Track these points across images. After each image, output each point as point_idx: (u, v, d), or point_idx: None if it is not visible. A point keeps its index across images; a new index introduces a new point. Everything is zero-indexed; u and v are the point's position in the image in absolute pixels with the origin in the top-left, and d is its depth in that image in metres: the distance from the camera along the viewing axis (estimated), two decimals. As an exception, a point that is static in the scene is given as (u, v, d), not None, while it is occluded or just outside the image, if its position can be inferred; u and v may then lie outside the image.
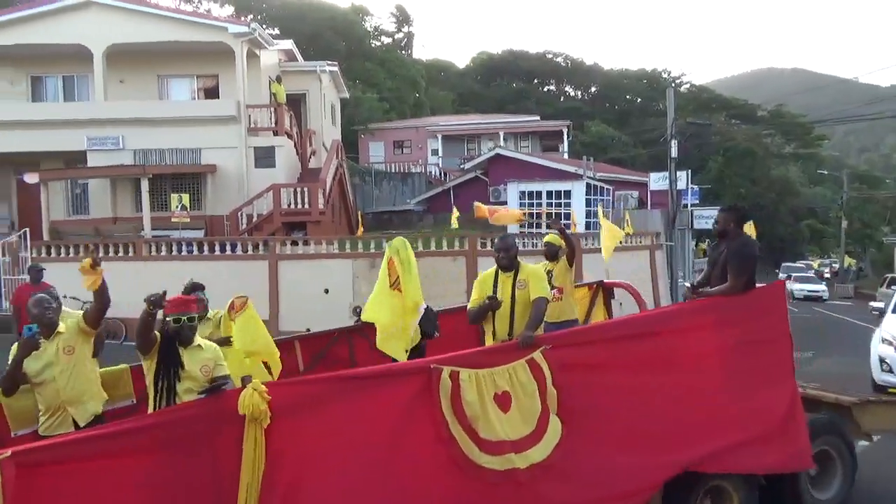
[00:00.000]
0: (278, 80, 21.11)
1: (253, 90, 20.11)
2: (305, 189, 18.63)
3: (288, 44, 24.19)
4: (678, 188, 20.92)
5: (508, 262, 5.17)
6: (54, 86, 21.10)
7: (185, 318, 4.06)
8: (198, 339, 4.21)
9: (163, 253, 15.94)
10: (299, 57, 24.86)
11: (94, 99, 19.64)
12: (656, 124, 42.13)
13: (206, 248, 15.96)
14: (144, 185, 17.98)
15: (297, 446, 3.73)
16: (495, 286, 5.16)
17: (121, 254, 16.13)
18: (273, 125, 19.82)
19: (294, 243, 15.95)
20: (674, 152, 20.62)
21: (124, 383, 5.36)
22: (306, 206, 18.46)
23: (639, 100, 59.45)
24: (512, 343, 4.50)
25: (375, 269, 15.33)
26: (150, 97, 20.34)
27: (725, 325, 4.85)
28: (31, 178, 18.11)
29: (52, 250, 16.43)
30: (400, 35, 54.88)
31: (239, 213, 18.25)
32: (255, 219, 18.20)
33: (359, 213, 23.87)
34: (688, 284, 5.73)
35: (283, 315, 14.98)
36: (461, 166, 31.33)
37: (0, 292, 16.37)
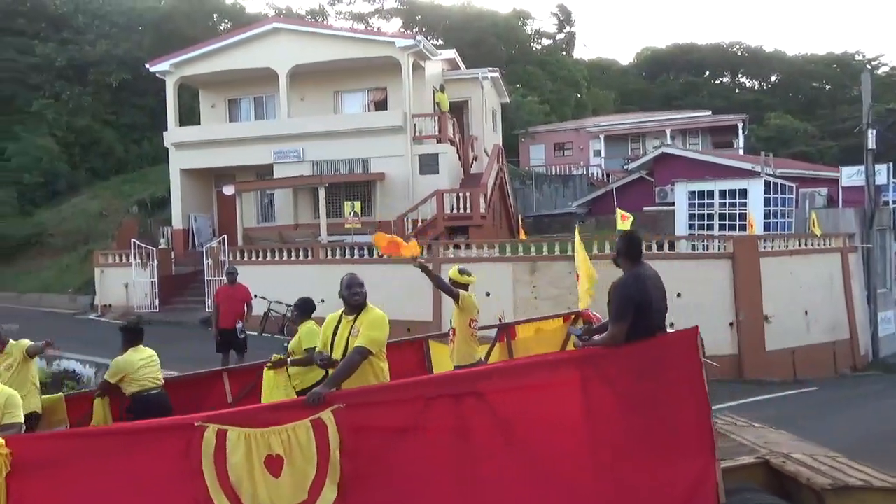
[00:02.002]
0: (441, 88, 21.81)
1: (418, 100, 20.96)
2: (467, 194, 19.07)
3: (451, 53, 24.92)
4: (876, 183, 18.70)
5: (356, 305, 4.64)
6: (246, 106, 23.46)
7: None
8: None
9: (337, 256, 17.11)
10: (461, 65, 25.51)
11: (279, 116, 21.54)
12: (849, 113, 37.97)
13: (375, 251, 16.88)
14: (321, 193, 19.40)
15: (41, 487, 3.55)
16: (335, 332, 4.71)
17: (301, 257, 17.55)
18: (437, 133, 20.51)
19: (457, 246, 16.37)
20: (871, 143, 18.48)
21: (60, 409, 6.10)
22: (468, 210, 18.88)
23: (828, 87, 53.84)
24: (299, 400, 4.09)
25: (536, 273, 15.34)
26: (326, 112, 21.93)
27: (596, 384, 4.08)
28: (228, 189, 20.27)
29: (245, 254, 18.26)
30: (561, 36, 54.33)
31: (405, 218, 19.09)
32: (420, 223, 18.93)
33: (519, 216, 23.97)
34: (577, 332, 5.01)
35: (444, 319, 15.43)
36: (625, 167, 30.36)
37: (205, 291, 18.50)
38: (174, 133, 22.22)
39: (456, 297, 6.43)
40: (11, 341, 6.42)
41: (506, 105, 30.61)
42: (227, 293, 11.04)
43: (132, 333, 6.37)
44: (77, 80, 30.13)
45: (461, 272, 6.73)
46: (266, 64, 21.02)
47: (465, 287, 6.64)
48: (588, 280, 7.10)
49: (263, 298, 16.14)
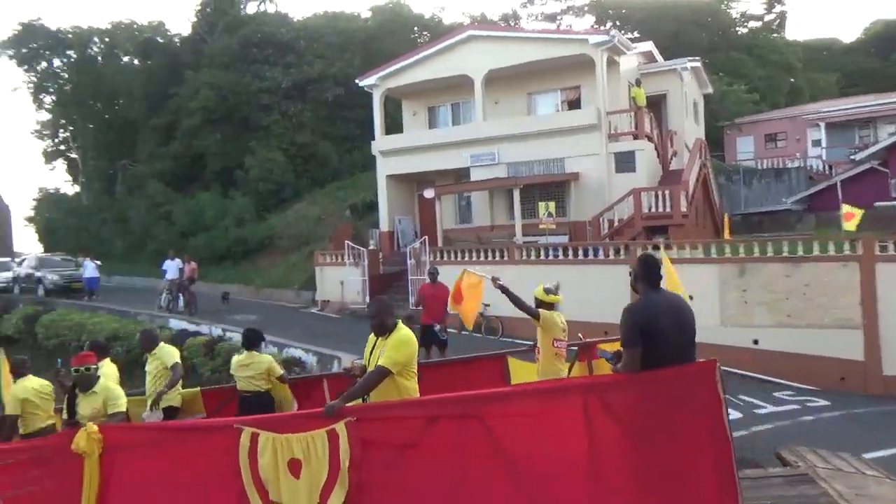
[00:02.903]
0: (637, 83, 21.03)
1: (613, 96, 20.41)
2: (666, 192, 18.18)
3: (647, 45, 23.92)
4: None
5: (376, 328, 5.02)
6: (444, 113, 24.50)
7: (83, 368, 5.43)
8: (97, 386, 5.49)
9: (532, 257, 17.22)
10: (659, 57, 24.37)
11: (475, 121, 22.20)
12: None
13: (570, 252, 16.73)
14: (516, 195, 19.66)
15: (125, 477, 4.47)
16: (372, 352, 5.05)
17: (497, 258, 17.93)
18: (633, 129, 19.82)
19: (656, 247, 15.68)
20: None
21: (198, 402, 7.45)
22: (668, 209, 18.00)
23: None
24: (318, 411, 4.40)
25: (746, 275, 14.18)
26: (520, 114, 22.17)
27: (600, 415, 3.86)
28: (428, 193, 21.32)
29: (445, 254, 19.07)
30: (771, 16, 49.58)
31: (601, 219, 18.69)
32: (616, 223, 18.42)
33: (725, 215, 22.33)
34: (607, 356, 4.58)
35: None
36: (851, 157, 26.92)
37: (409, 289, 19.63)
38: (380, 142, 23.85)
39: (536, 317, 6.49)
40: (162, 344, 7.66)
41: (709, 96, 28.68)
42: (429, 291, 11.60)
43: (247, 339, 7.26)
44: (299, 99, 33.53)
45: (546, 291, 6.71)
46: (462, 71, 21.78)
47: (550, 306, 6.64)
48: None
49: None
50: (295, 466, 4.24)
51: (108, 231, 36.24)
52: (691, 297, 14.11)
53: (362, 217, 26.86)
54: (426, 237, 20.42)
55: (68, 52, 41.51)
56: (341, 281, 21.43)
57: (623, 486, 3.88)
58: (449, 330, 11.42)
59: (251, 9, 40.03)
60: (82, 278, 24.97)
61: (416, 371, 5.00)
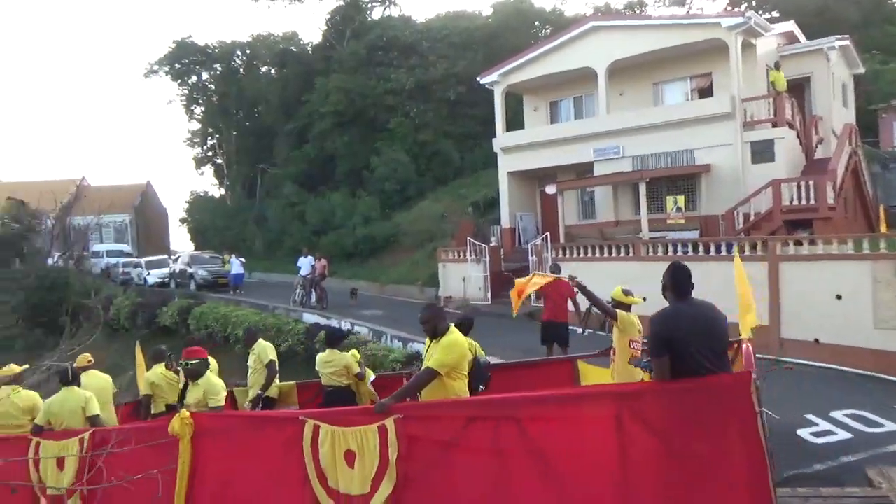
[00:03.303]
0: (776, 66, 19.56)
1: (748, 82, 19.14)
2: (810, 183, 16.79)
3: (788, 25, 22.18)
4: None
5: (429, 332, 5.33)
6: (567, 107, 24.08)
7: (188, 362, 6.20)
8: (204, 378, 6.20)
9: (659, 253, 16.53)
10: (801, 37, 22.53)
11: (598, 114, 21.63)
12: None
13: (700, 248, 15.91)
14: (642, 189, 18.95)
15: (212, 456, 5.13)
16: (426, 353, 5.39)
17: (622, 254, 17.38)
18: (771, 116, 18.47)
19: (798, 243, 14.53)
20: None
21: (292, 394, 8.35)
22: (811, 201, 16.62)
23: None
24: (370, 407, 4.86)
25: (904, 272, 12.79)
26: (645, 105, 21.34)
27: (631, 423, 3.89)
28: (550, 189, 21.07)
29: (567, 251, 18.78)
30: (937, -17, 44.28)
31: (735, 212, 17.60)
32: (752, 217, 17.27)
33: (880, 206, 20.28)
34: (643, 364, 4.69)
35: (785, 322, 13.83)
36: None
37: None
38: (502, 138, 23.85)
39: (614, 317, 6.63)
40: (261, 341, 8.37)
41: (860, 77, 26.12)
42: (551, 288, 11.47)
43: (328, 338, 7.87)
44: (422, 99, 34.27)
45: (625, 293, 6.91)
46: (584, 63, 21.29)
47: (628, 307, 6.77)
48: (745, 307, 5.82)
49: (585, 294, 16.35)
50: (350, 457, 4.64)
51: (249, 230, 38.99)
52: (839, 297, 13.05)
53: (484, 214, 27.00)
54: (548, 233, 20.20)
55: (215, 66, 44.98)
56: (463, 277, 21.68)
57: (652, 495, 3.87)
58: (571, 328, 11.23)
59: (377, 14, 41.45)
60: (228, 274, 27.05)
61: (465, 373, 5.30)
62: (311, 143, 36.53)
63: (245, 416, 6.19)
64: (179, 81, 46.20)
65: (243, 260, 28.03)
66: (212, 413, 5.84)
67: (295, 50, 42.51)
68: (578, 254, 18.37)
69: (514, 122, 26.42)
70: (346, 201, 32.59)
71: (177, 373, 7.63)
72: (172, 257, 34.63)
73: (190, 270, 28.95)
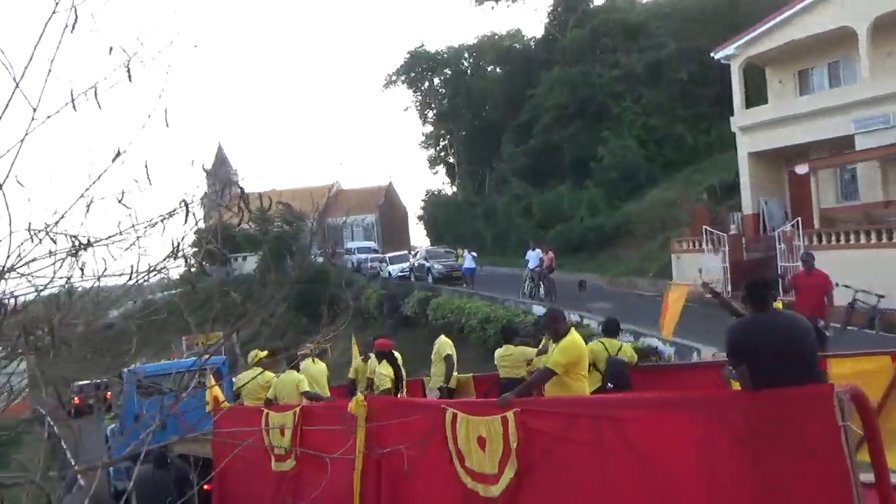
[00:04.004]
0: None
1: None
2: None
3: None
4: None
5: (551, 335, 6.14)
6: (819, 76, 21.34)
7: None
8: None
9: (946, 237, 13.95)
10: None
11: (860, 80, 18.85)
12: None
13: None
14: (921, 162, 16.13)
15: (379, 434, 6.09)
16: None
17: (892, 240, 14.98)
18: None
19: None
20: None
21: (470, 385, 9.42)
22: None
23: None
24: (494, 401, 5.55)
25: None
26: (924, 63, 18.10)
27: (716, 431, 3.94)
28: (801, 169, 18.89)
29: (822, 238, 16.67)
30: None
31: None
32: None
33: None
34: (734, 375, 4.74)
35: None
36: None
37: (776, 278, 17.71)
38: (740, 116, 21.91)
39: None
40: (441, 337, 9.84)
41: None
42: (802, 280, 10.33)
43: (504, 334, 8.41)
44: (650, 82, 32.79)
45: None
46: (840, 23, 18.66)
47: None
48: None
49: (847, 287, 14.44)
50: (482, 442, 5.30)
51: (479, 225, 40.66)
52: None
53: (721, 200, 25.09)
54: (799, 219, 18.11)
55: (445, 71, 47.63)
56: (699, 268, 20.23)
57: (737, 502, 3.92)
58: (832, 325, 9.98)
59: (599, 0, 40.53)
60: (461, 268, 28.49)
61: (584, 373, 5.95)
62: (536, 137, 36.96)
63: (403, 402, 7.19)
64: (414, 89, 49.71)
65: (475, 254, 29.25)
66: (379, 397, 7.11)
67: (518, 46, 43.33)
68: (838, 240, 16.21)
69: (754, 98, 24.10)
70: (572, 193, 32.44)
71: (365, 361, 9.44)
72: (412, 253, 37.44)
73: (427, 264, 31.00)
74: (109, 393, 11.11)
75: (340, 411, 6.54)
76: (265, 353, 8.87)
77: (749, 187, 21.80)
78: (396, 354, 8.86)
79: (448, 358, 9.18)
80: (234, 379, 10.30)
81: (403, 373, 8.60)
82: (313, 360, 9.06)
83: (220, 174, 49.92)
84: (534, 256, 22.69)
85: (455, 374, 9.28)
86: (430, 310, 24.21)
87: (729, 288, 19.23)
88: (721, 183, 25.83)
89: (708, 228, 20.32)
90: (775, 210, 21.70)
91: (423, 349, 16.43)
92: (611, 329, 8.06)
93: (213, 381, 8.88)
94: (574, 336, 5.93)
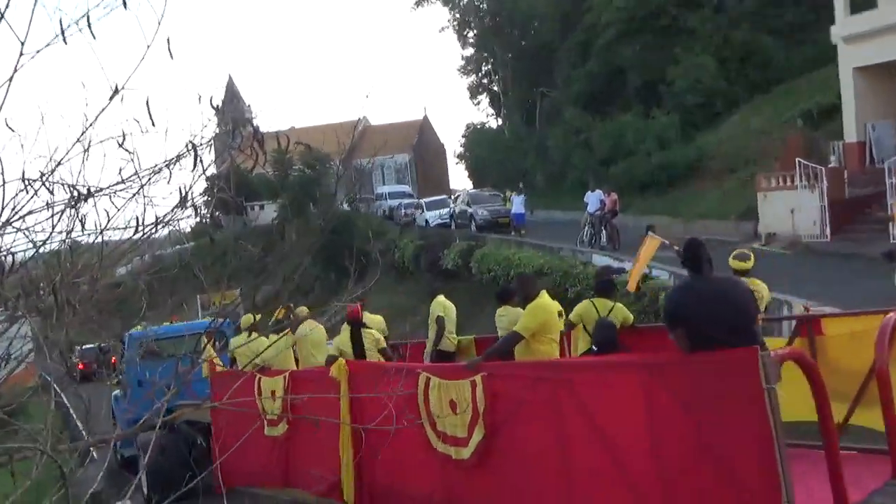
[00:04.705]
0: None
1: None
2: None
3: None
4: None
5: (520, 300, 7.49)
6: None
7: None
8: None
9: None
10: None
11: None
12: None
13: None
14: None
15: (366, 399, 6.92)
16: None
17: None
18: None
19: None
20: None
21: (471, 348, 9.98)
22: None
23: None
24: (464, 365, 6.73)
25: None
26: None
27: (656, 391, 4.80)
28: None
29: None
30: None
31: None
32: None
33: None
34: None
35: None
36: None
37: (887, 218, 17.22)
38: (844, 24, 21.07)
39: None
40: (438, 297, 10.54)
41: None
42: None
43: (499, 294, 8.93)
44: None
45: (736, 257, 7.49)
46: None
47: (741, 275, 7.05)
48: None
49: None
50: (453, 405, 6.16)
51: (529, 163, 40.33)
52: None
53: (818, 127, 24.32)
54: (913, 147, 17.44)
55: (486, -18, 46.56)
56: (791, 209, 19.95)
57: (677, 459, 4.66)
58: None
59: None
60: (509, 213, 28.43)
61: (552, 336, 6.79)
62: (594, 59, 36.11)
63: (380, 366, 8.14)
64: (450, 5, 48.77)
65: (525, 197, 29.06)
66: (361, 362, 8.22)
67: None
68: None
69: (860, 1, 23.00)
70: (638, 123, 31.78)
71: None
72: (452, 197, 37.49)
73: (470, 210, 31.06)
74: (115, 357, 11.72)
75: (326, 377, 7.71)
76: (281, 311, 9.37)
77: (853, 110, 21.11)
78: (378, 318, 10.14)
79: (439, 320, 9.89)
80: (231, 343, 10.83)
81: (369, 342, 9.12)
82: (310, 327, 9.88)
83: (232, 112, 50.42)
84: (594, 198, 22.47)
85: (452, 336, 10.00)
86: (474, 262, 24.34)
87: (828, 230, 18.79)
88: (818, 106, 25.02)
89: (802, 161, 19.81)
90: (885, 137, 20.99)
91: (464, 307, 16.55)
92: (604, 288, 8.36)
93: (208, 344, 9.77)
94: (542, 300, 6.84)
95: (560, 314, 7.47)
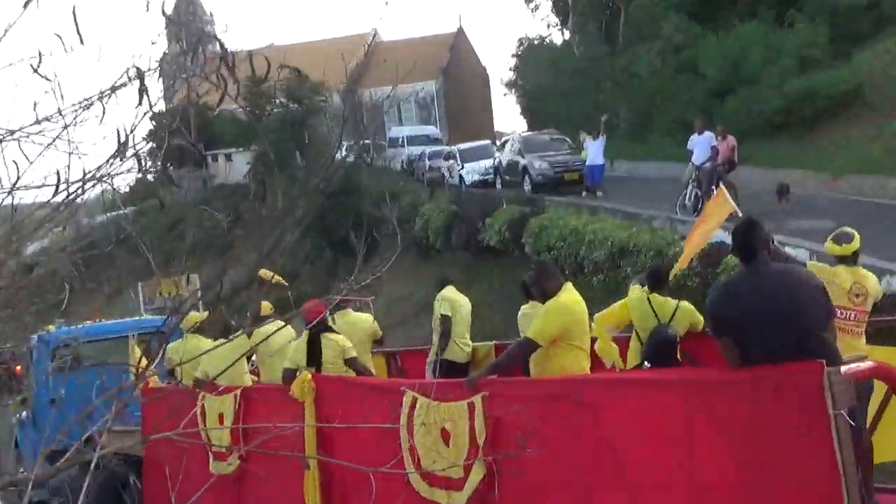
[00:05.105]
0: None
1: None
2: None
3: None
4: None
5: (539, 297, 7.75)
6: None
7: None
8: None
9: None
10: None
11: None
12: None
13: None
14: None
15: (332, 415, 7.67)
16: None
17: None
18: None
19: None
20: None
21: (491, 355, 10.19)
22: None
23: None
24: (461, 381, 7.04)
25: None
26: None
27: (698, 417, 5.11)
28: None
29: None
30: None
31: None
32: None
33: None
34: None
35: None
36: None
37: None
38: None
39: None
40: (447, 289, 11.00)
41: None
42: None
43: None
44: None
45: (832, 239, 7.56)
46: None
47: (841, 260, 7.39)
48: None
49: None
50: (445, 435, 6.37)
51: (607, 94, 39.92)
52: None
53: None
54: None
55: None
56: None
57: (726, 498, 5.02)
58: None
59: None
60: (581, 166, 28.10)
61: (579, 344, 6.97)
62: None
63: (358, 383, 8.42)
64: None
65: (604, 140, 28.53)
66: (330, 376, 8.38)
67: None
68: None
69: None
70: (766, 36, 31.36)
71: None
72: (497, 143, 37.24)
73: (523, 162, 30.80)
74: (19, 367, 11.96)
75: (286, 395, 8.08)
76: (267, 307, 9.63)
77: None
78: (365, 318, 10.18)
79: (443, 321, 10.26)
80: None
81: (331, 353, 9.02)
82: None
83: (191, 24, 50.86)
84: (702, 144, 22.21)
85: (463, 341, 10.35)
86: (528, 235, 24.27)
87: None
88: None
89: None
90: None
91: (512, 301, 16.31)
92: (657, 280, 8.51)
93: (138, 351, 9.83)
94: (565, 296, 7.02)
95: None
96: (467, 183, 33.87)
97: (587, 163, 27.66)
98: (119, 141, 2.69)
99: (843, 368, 4.59)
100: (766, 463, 4.75)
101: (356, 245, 7.19)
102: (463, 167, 34.87)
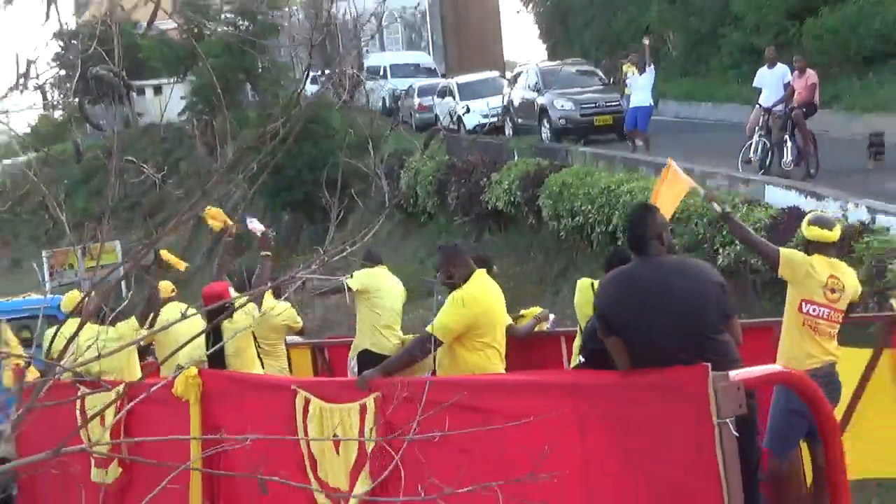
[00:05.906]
0: None
1: None
2: None
3: None
4: None
5: (447, 284, 8.13)
6: None
7: None
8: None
9: None
10: None
11: None
12: None
13: None
14: None
15: (222, 415, 8.34)
16: None
17: None
18: None
19: None
20: None
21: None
22: None
23: None
24: (353, 380, 8.12)
25: None
26: None
27: (590, 423, 5.73)
28: None
29: None
30: None
31: None
32: None
33: None
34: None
35: None
36: None
37: None
38: None
39: (773, 262, 7.93)
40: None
41: None
42: None
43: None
44: None
45: (813, 222, 8.04)
46: None
47: (819, 247, 7.86)
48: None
49: None
50: (336, 442, 6.96)
51: (650, 17, 39.71)
52: None
53: None
54: None
55: None
56: None
57: None
58: None
59: None
60: (617, 105, 27.91)
61: (488, 340, 7.65)
62: None
63: (248, 379, 9.02)
64: None
65: (653, 73, 27.83)
66: (219, 371, 8.95)
67: None
68: None
69: None
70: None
71: None
72: (508, 76, 37.07)
73: (541, 101, 30.66)
74: None
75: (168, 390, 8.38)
76: (168, 288, 10.28)
77: None
78: (284, 308, 10.17)
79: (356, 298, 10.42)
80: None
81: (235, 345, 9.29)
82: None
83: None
84: (773, 80, 22.09)
85: (390, 330, 10.26)
86: (545, 196, 24.17)
87: None
88: None
89: None
90: None
91: (526, 277, 16.31)
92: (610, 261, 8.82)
93: (13, 340, 10.25)
94: (472, 287, 7.63)
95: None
96: (468, 127, 33.79)
97: (632, 104, 26.28)
98: (19, 68, 2.66)
99: (732, 374, 5.07)
100: (652, 476, 5.34)
101: (328, 206, 7.24)
102: (464, 106, 34.73)
